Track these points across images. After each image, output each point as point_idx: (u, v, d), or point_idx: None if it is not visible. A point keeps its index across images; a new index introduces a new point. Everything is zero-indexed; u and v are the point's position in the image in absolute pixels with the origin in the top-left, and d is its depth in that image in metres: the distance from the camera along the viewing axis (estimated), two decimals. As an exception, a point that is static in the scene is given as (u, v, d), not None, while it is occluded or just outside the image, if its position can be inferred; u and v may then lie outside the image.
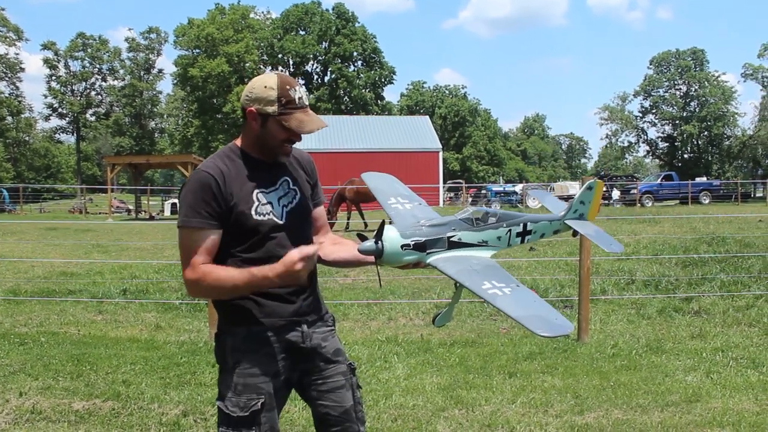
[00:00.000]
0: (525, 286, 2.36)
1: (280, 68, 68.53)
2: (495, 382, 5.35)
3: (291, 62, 71.01)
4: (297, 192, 2.50)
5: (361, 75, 70.52)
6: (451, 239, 2.49)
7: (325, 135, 44.53)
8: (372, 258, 2.43)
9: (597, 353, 6.21)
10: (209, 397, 4.88)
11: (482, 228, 2.58)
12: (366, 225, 17.50)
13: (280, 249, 2.33)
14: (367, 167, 3.69)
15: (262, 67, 65.48)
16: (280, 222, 2.40)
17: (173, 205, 37.06)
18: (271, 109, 2.32)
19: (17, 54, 67.90)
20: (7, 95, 64.97)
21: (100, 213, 37.83)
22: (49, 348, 6.53)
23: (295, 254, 2.22)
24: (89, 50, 74.17)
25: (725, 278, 9.27)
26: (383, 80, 72.37)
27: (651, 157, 77.12)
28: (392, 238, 2.38)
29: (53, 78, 73.23)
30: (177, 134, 72.69)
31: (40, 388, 5.23)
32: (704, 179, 43.83)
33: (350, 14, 70.93)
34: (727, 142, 67.25)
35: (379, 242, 2.36)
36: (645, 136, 71.19)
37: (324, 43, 70.13)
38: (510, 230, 2.66)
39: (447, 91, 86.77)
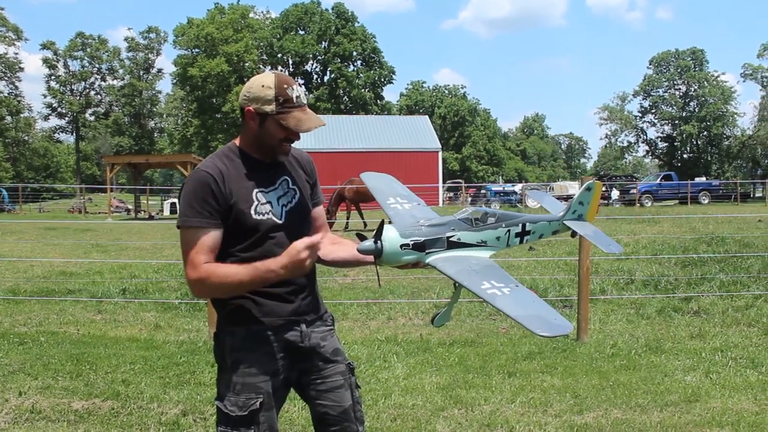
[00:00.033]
0: (524, 286, 2.37)
1: (279, 68, 68.53)
2: (494, 382, 5.35)
3: (290, 62, 70.99)
4: (296, 191, 2.50)
5: (361, 75, 70.52)
6: (450, 239, 2.49)
7: (325, 135, 44.55)
8: (371, 258, 2.43)
9: (596, 353, 6.21)
10: (209, 396, 4.88)
11: (481, 228, 2.58)
12: (365, 225, 17.50)
13: (278, 249, 2.32)
14: (367, 167, 3.70)
15: (261, 66, 65.47)
16: (279, 221, 2.40)
17: (172, 204, 37.08)
18: (269, 108, 2.32)
19: (16, 53, 68.00)
20: (6, 95, 64.97)
21: (99, 213, 37.81)
22: (49, 347, 6.53)
23: (299, 244, 2.22)
24: (88, 50, 74.16)
25: (724, 278, 9.28)
26: (383, 80, 72.36)
27: (650, 157, 77.18)
28: (391, 237, 2.38)
29: (52, 78, 73.31)
30: (176, 134, 72.67)
31: (39, 387, 5.23)
32: (703, 179, 43.85)
33: (350, 14, 70.93)
34: (727, 142, 67.29)
35: (379, 242, 2.37)
36: (644, 136, 71.26)
37: (323, 42, 70.12)
38: (509, 230, 2.66)
39: (446, 91, 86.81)
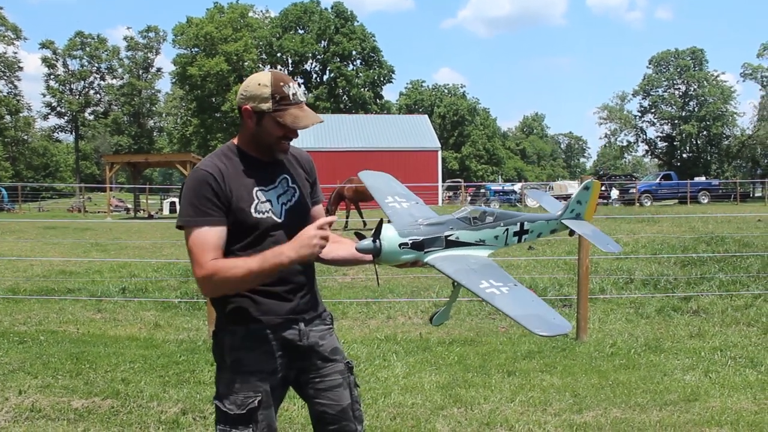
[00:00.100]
0: (522, 285, 2.37)
1: (279, 67, 68.47)
2: (494, 381, 5.36)
3: (290, 61, 70.97)
4: (296, 190, 2.51)
5: (360, 74, 70.50)
6: (448, 238, 2.49)
7: (324, 134, 44.56)
8: (370, 257, 2.43)
9: (596, 352, 6.21)
10: (208, 395, 4.88)
11: (480, 227, 2.58)
12: (365, 224, 17.49)
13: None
14: (366, 166, 3.69)
15: (261, 66, 65.43)
16: (279, 220, 2.41)
17: (172, 203, 37.11)
18: (266, 106, 2.32)
19: (16, 53, 67.94)
20: (5, 94, 64.89)
21: (98, 212, 37.81)
22: (48, 346, 6.53)
23: (310, 228, 2.23)
24: (88, 49, 74.10)
25: (724, 278, 9.28)
26: (382, 79, 72.33)
27: (650, 157, 77.15)
28: (390, 237, 2.38)
29: (52, 77, 73.23)
30: (176, 133, 72.61)
31: (39, 386, 5.24)
32: (703, 179, 43.85)
33: (349, 13, 70.91)
34: (726, 142, 67.28)
35: (377, 241, 2.37)
36: (644, 136, 71.25)
37: (323, 42, 70.10)
38: (507, 229, 2.66)
39: (446, 90, 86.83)
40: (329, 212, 17.68)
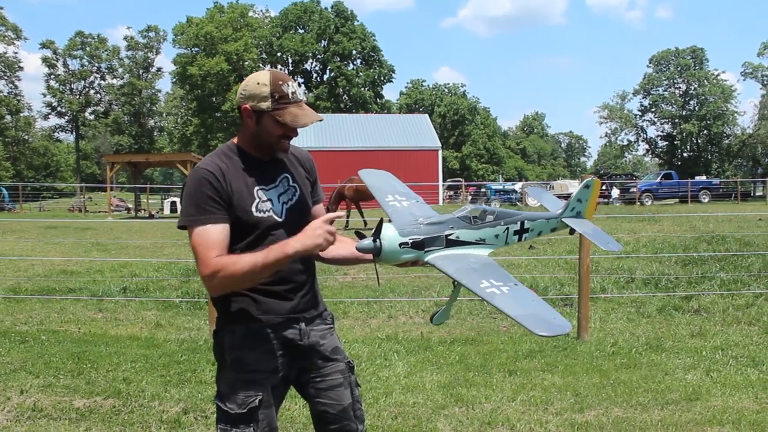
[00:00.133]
0: (523, 284, 2.37)
1: (279, 66, 68.47)
2: (495, 380, 5.36)
3: (290, 61, 70.97)
4: (297, 189, 2.51)
5: (360, 73, 70.49)
6: (449, 237, 2.49)
7: (325, 133, 44.55)
8: (370, 256, 2.43)
9: (597, 351, 6.21)
10: (210, 394, 4.88)
11: (480, 226, 2.58)
12: (365, 223, 17.50)
13: None
14: (367, 166, 3.69)
15: (261, 65, 65.43)
16: (280, 219, 2.41)
17: (172, 203, 37.11)
18: (265, 105, 2.32)
19: (16, 53, 67.90)
20: (6, 94, 64.89)
21: (99, 211, 37.82)
22: (50, 346, 6.53)
23: (317, 221, 2.24)
24: (88, 49, 74.08)
25: (725, 277, 9.28)
26: (382, 79, 72.30)
27: (650, 156, 77.08)
28: (390, 236, 2.38)
29: (52, 77, 73.19)
30: (176, 133, 72.60)
31: (41, 385, 5.24)
32: (704, 178, 43.83)
33: (349, 12, 70.87)
34: (727, 141, 67.23)
35: (377, 240, 2.36)
36: (644, 135, 71.20)
37: (323, 41, 70.08)
38: (507, 228, 2.66)
39: (446, 90, 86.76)
40: (329, 211, 17.60)
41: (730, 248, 10.94)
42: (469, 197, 39.68)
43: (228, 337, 2.41)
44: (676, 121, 66.87)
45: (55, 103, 73.13)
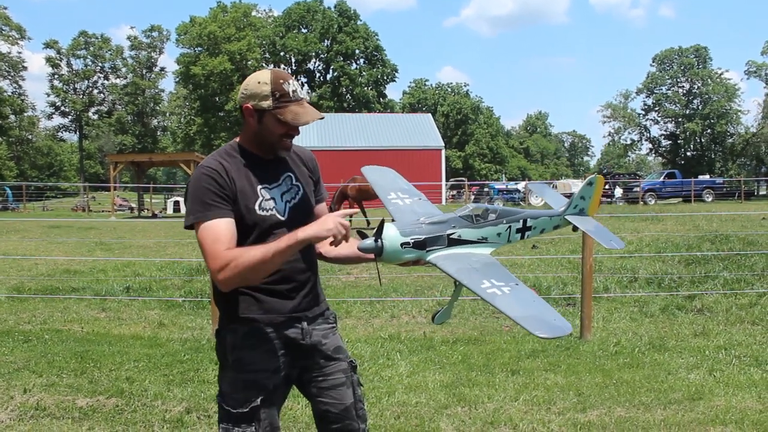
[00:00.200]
0: (524, 284, 2.36)
1: (282, 66, 68.53)
2: (498, 380, 5.35)
3: (293, 60, 71.02)
4: (300, 188, 2.51)
5: (364, 73, 70.51)
6: (450, 236, 2.48)
7: (328, 133, 44.56)
8: (372, 255, 2.43)
9: (600, 351, 6.21)
10: (212, 394, 4.88)
11: (482, 225, 2.58)
12: (368, 223, 17.50)
13: None
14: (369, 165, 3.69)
15: (264, 65, 65.47)
16: (282, 218, 2.40)
17: (176, 202, 37.14)
18: (266, 103, 2.32)
19: (20, 53, 68.07)
20: (9, 94, 65.01)
21: (102, 211, 37.91)
22: (53, 345, 6.55)
23: (333, 214, 2.24)
24: (91, 48, 74.28)
25: (728, 276, 9.26)
26: (385, 78, 72.34)
27: (654, 155, 76.97)
28: (392, 236, 2.37)
29: (56, 76, 73.41)
30: (179, 132, 72.71)
31: (44, 384, 5.25)
32: (707, 177, 43.74)
33: (352, 12, 70.91)
34: (731, 140, 67.10)
35: (379, 240, 2.36)
36: (648, 134, 71.11)
37: (326, 41, 70.11)
38: (510, 226, 2.66)
39: (449, 89, 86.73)
40: (332, 211, 17.66)
41: (734, 247, 10.92)
42: (472, 197, 39.63)
43: (230, 337, 2.41)
44: (680, 120, 66.76)
45: (58, 103, 73.36)
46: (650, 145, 72.42)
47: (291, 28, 70.37)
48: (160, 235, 16.49)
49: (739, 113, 66.11)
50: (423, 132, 47.51)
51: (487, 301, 2.23)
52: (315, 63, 72.89)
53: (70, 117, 75.02)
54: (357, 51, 70.10)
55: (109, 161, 38.67)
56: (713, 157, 67.96)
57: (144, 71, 77.20)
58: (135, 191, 40.76)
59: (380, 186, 2.87)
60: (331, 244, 2.25)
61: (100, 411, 4.71)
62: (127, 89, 75.65)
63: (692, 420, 4.45)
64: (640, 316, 7.83)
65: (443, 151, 47.05)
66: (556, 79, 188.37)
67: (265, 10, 75.36)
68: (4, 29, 63.88)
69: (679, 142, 68.12)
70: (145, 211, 37.05)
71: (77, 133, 76.36)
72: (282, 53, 70.55)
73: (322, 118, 2.41)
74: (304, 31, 70.58)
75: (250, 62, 63.56)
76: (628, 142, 72.51)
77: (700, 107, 65.95)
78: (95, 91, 76.67)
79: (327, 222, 2.22)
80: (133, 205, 40.90)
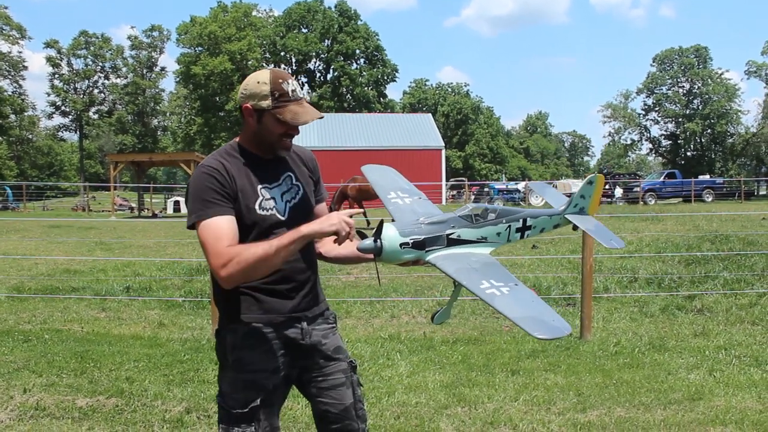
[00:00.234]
0: (523, 284, 2.35)
1: (282, 66, 68.52)
2: (498, 380, 5.35)
3: (293, 60, 71.01)
4: (300, 188, 2.51)
5: (364, 73, 70.50)
6: (450, 236, 2.48)
7: (328, 133, 44.55)
8: (372, 255, 2.43)
9: (600, 351, 6.21)
10: (212, 394, 4.88)
11: (481, 224, 2.57)
12: (368, 223, 17.50)
13: None
14: (369, 165, 3.68)
15: (264, 65, 65.45)
16: (282, 218, 2.40)
17: (176, 202, 37.16)
18: (265, 103, 2.33)
19: (20, 52, 68.10)
20: (10, 93, 65.00)
21: (103, 211, 37.91)
22: (53, 345, 6.55)
23: (339, 212, 2.24)
24: (92, 48, 74.27)
25: (728, 276, 9.26)
26: (386, 78, 72.33)
27: (654, 155, 76.96)
28: (391, 236, 2.37)
29: (56, 76, 73.37)
30: (180, 132, 72.69)
31: (43, 384, 5.25)
32: (707, 177, 43.74)
33: (352, 12, 70.91)
34: (731, 140, 67.08)
35: (378, 240, 2.36)
36: (648, 134, 71.09)
37: (326, 40, 70.11)
38: (509, 226, 2.65)
39: (449, 89, 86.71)
40: (332, 210, 17.67)
41: (734, 247, 10.92)
42: (472, 197, 39.62)
43: (230, 337, 2.41)
44: (680, 120, 66.75)
45: (59, 103, 73.35)
46: (650, 145, 72.45)
47: (291, 28, 70.37)
48: (160, 235, 16.49)
49: (739, 113, 66.13)
50: (423, 132, 47.51)
51: (486, 302, 2.23)
52: (315, 63, 72.94)
53: (70, 117, 75.02)
54: (357, 51, 70.10)
55: (109, 161, 38.68)
56: (713, 157, 67.95)
57: (144, 71, 77.19)
58: (135, 191, 40.78)
59: (380, 185, 2.87)
60: (335, 242, 2.25)
61: (100, 411, 4.71)
62: (128, 89, 75.64)
63: (692, 420, 4.45)
64: (640, 316, 7.83)
65: (443, 151, 47.05)
66: (557, 79, 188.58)
67: (265, 10, 75.47)
68: (5, 29, 63.88)
69: (679, 142, 68.11)
70: (145, 210, 37.05)
71: (77, 132, 76.37)
72: (282, 53, 70.55)
73: (322, 117, 2.41)
74: (304, 31, 70.58)
75: (250, 62, 63.54)
76: (629, 142, 72.52)
77: (700, 107, 65.94)
78: (95, 91, 76.69)
79: (331, 218, 2.22)
80: (133, 204, 40.92)
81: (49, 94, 73.19)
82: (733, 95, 65.40)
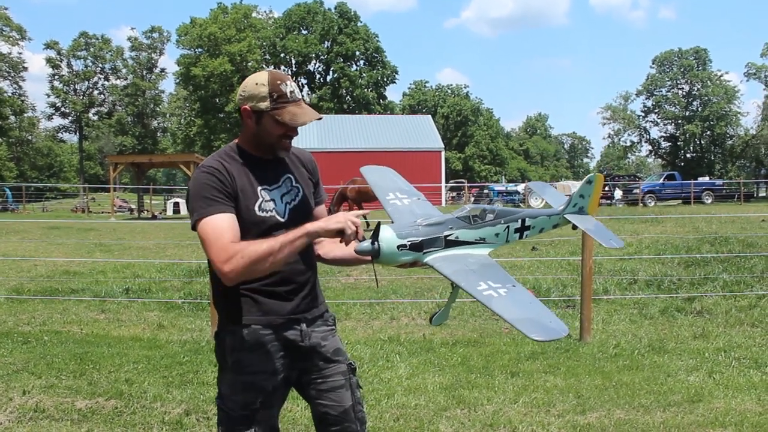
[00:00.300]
0: (521, 285, 2.34)
1: (282, 67, 68.55)
2: (497, 382, 5.35)
3: (293, 61, 71.04)
4: (299, 190, 2.51)
5: (364, 74, 70.53)
6: (448, 238, 2.47)
7: (327, 134, 44.57)
8: (369, 257, 2.43)
9: (599, 353, 6.20)
10: (212, 396, 4.88)
11: (480, 225, 2.57)
12: (368, 224, 17.53)
13: None
14: (369, 167, 3.68)
15: (264, 66, 65.45)
16: (282, 220, 2.41)
17: (175, 204, 37.13)
18: (264, 105, 2.33)
19: (20, 53, 68.08)
20: (10, 94, 65.01)
21: (102, 212, 37.89)
22: (52, 347, 6.54)
23: (341, 213, 2.24)
24: (92, 49, 74.31)
25: (728, 278, 9.26)
26: (385, 79, 72.37)
27: (653, 157, 77.00)
28: (388, 238, 2.36)
29: (56, 77, 73.42)
30: (179, 133, 72.72)
31: (43, 386, 5.25)
32: (707, 179, 43.72)
33: (352, 13, 70.97)
34: (730, 142, 67.12)
35: (376, 243, 2.35)
36: (647, 136, 71.12)
37: (326, 42, 70.15)
38: (508, 227, 2.64)
39: (449, 91, 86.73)
40: (332, 212, 17.69)
41: (733, 249, 10.92)
42: (472, 198, 39.64)
43: (229, 339, 2.41)
44: (679, 122, 66.78)
45: (58, 104, 73.37)
46: (650, 147, 72.47)
47: (291, 29, 70.42)
48: (160, 237, 16.48)
49: (738, 115, 66.17)
50: (423, 133, 47.54)
51: (483, 303, 2.22)
52: (315, 64, 72.97)
53: (70, 118, 75.03)
54: (357, 52, 70.14)
55: (108, 162, 38.69)
56: (713, 158, 67.97)
57: (144, 72, 77.25)
58: (135, 192, 40.76)
59: (379, 187, 2.87)
60: (342, 241, 2.25)
61: (99, 413, 4.71)
62: (128, 90, 75.69)
63: (692, 422, 4.45)
64: (640, 318, 7.83)
65: (443, 153, 47.09)
66: (556, 80, 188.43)
67: (265, 12, 75.61)
68: (5, 30, 63.90)
69: (678, 143, 68.14)
70: (145, 212, 37.05)
71: (77, 134, 76.36)
72: (282, 54, 70.59)
73: (320, 118, 2.42)
74: (304, 32, 70.63)
75: (250, 63, 63.56)
76: (628, 143, 72.54)
77: (699, 109, 65.96)
78: (95, 92, 76.74)
79: (337, 216, 2.23)
80: (133, 206, 40.89)
81: (48, 96, 73.33)
82: (733, 97, 65.44)
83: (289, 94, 2.34)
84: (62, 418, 4.61)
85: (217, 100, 63.98)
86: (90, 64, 74.74)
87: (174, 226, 19.67)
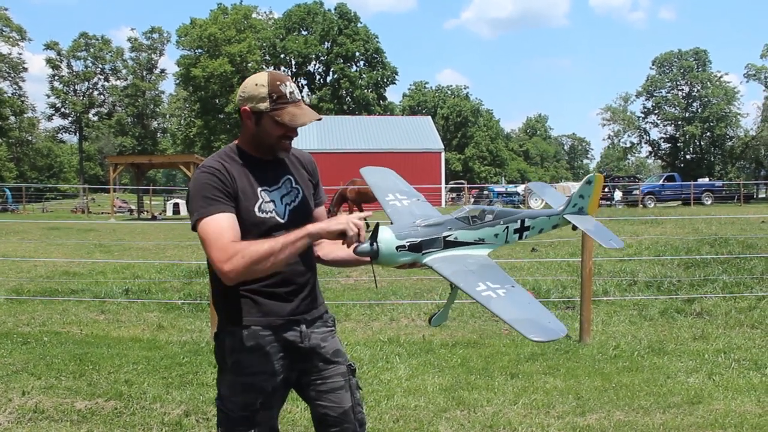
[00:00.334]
0: (520, 286, 2.34)
1: (282, 68, 68.57)
2: (497, 383, 5.35)
3: (293, 62, 71.06)
4: (299, 191, 2.51)
5: (364, 75, 70.55)
6: (447, 239, 2.47)
7: (327, 135, 44.58)
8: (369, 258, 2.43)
9: (599, 354, 6.20)
10: (211, 397, 4.88)
11: (479, 226, 2.57)
12: (368, 225, 17.53)
13: None
14: (369, 168, 3.68)
15: (264, 67, 65.46)
16: (282, 221, 2.41)
17: (175, 204, 37.15)
18: (264, 105, 2.33)
19: (20, 54, 68.03)
20: (10, 95, 65.00)
21: (102, 213, 37.88)
22: (52, 347, 6.54)
23: (343, 215, 2.25)
24: (92, 50, 74.32)
25: (727, 279, 9.26)
26: (385, 80, 72.39)
27: (653, 158, 77.07)
28: (387, 239, 2.36)
29: (56, 78, 73.42)
30: (179, 134, 72.73)
31: (42, 387, 5.24)
32: (706, 180, 43.75)
33: (352, 14, 70.99)
34: (730, 143, 67.15)
35: (374, 244, 2.35)
36: (647, 137, 71.18)
37: (326, 43, 70.17)
38: (507, 227, 2.64)
39: (449, 92, 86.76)
40: (331, 213, 17.70)
41: (733, 251, 10.92)
42: (472, 199, 39.66)
43: (228, 340, 2.41)
44: (679, 123, 66.83)
45: (58, 104, 73.37)
46: (650, 148, 72.54)
47: (291, 30, 70.44)
48: (160, 238, 16.48)
49: (738, 116, 66.25)
50: (423, 134, 47.56)
51: (482, 304, 2.23)
52: (315, 65, 72.98)
53: (70, 118, 75.04)
54: (357, 53, 70.17)
55: (108, 163, 38.69)
56: (712, 160, 68.00)
57: (144, 73, 77.26)
58: (134, 193, 40.74)
59: (378, 187, 2.87)
60: (344, 243, 2.25)
61: (99, 414, 4.70)
62: (127, 91, 75.70)
63: (691, 424, 4.45)
64: (640, 319, 7.83)
65: (443, 154, 47.11)
66: (556, 81, 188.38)
67: (265, 12, 75.57)
68: (5, 30, 63.89)
69: (678, 145, 68.19)
70: (145, 213, 37.04)
71: (77, 134, 76.35)
72: (282, 55, 70.61)
73: (320, 119, 2.42)
74: (304, 33, 70.66)
75: (250, 64, 63.56)
76: (628, 145, 72.61)
77: (699, 110, 66.03)
78: (95, 93, 76.74)
79: (339, 217, 2.23)
80: (133, 207, 40.88)
81: (48, 96, 73.32)
82: (733, 98, 65.51)
83: (288, 95, 2.34)
84: (62, 418, 4.61)
85: (217, 101, 64.01)
86: (90, 64, 74.78)
87: (174, 227, 19.67)
